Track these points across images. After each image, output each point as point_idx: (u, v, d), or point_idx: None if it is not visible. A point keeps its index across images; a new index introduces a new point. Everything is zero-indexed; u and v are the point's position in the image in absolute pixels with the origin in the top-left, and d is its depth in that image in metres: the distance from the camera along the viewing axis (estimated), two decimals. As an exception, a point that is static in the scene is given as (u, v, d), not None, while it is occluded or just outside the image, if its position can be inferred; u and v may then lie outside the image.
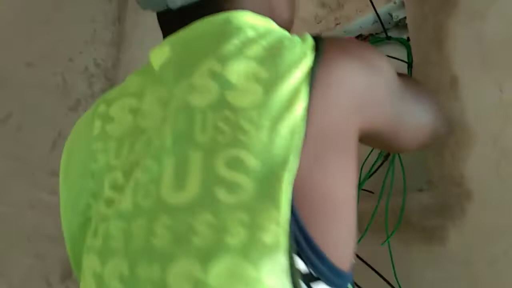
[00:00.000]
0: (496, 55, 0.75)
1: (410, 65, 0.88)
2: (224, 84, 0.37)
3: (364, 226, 0.78)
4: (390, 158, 0.84)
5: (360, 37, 0.95)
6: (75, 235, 0.45)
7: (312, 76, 0.36)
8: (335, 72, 0.37)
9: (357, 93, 0.40)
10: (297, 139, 0.34)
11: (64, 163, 0.48)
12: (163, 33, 0.48)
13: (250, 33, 0.39)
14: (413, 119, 0.50)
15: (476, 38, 0.77)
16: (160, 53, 0.43)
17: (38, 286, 1.30)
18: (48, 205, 1.40)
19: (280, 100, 0.35)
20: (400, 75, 0.48)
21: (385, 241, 0.77)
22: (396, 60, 0.87)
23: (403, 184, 0.80)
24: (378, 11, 0.87)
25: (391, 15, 0.90)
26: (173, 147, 0.37)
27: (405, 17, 0.89)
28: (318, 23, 1.01)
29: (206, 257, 0.33)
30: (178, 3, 0.43)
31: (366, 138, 0.44)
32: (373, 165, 0.85)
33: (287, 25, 0.49)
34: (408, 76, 0.52)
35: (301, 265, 0.34)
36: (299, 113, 0.35)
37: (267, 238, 0.33)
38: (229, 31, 0.40)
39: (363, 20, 0.92)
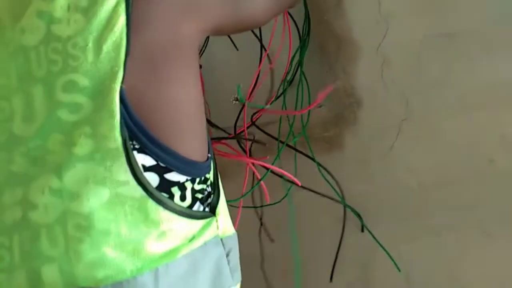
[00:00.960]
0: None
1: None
2: (50, 19, 0.40)
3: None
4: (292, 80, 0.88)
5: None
6: None
7: None
8: None
9: (178, 2, 0.43)
10: (122, 53, 0.39)
11: None
12: None
13: None
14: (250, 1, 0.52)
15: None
16: None
17: None
18: None
19: (100, 22, 0.39)
20: None
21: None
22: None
23: (308, 102, 0.85)
24: None
25: None
26: (18, 86, 0.41)
27: None
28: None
29: (60, 168, 0.38)
30: None
31: (217, 33, 0.49)
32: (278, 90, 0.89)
33: None
34: None
35: (147, 160, 0.40)
36: (119, 29, 0.39)
37: (111, 143, 0.38)
38: None
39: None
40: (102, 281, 0.37)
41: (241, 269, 0.46)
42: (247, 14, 0.52)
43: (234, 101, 1.00)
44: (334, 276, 0.82)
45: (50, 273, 0.37)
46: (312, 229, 0.83)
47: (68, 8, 0.40)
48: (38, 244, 0.38)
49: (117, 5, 0.40)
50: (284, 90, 0.90)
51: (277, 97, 0.90)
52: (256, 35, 0.87)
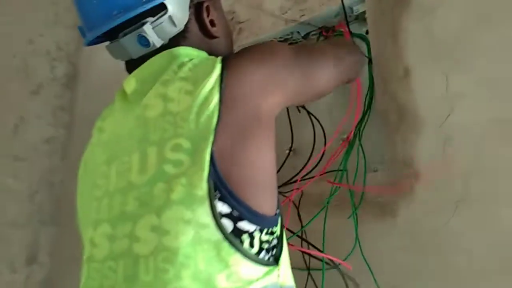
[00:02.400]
0: (443, 49, 0.84)
1: (370, 60, 0.94)
2: (166, 99, 0.54)
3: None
4: (350, 142, 0.92)
5: (323, 29, 1.01)
6: (85, 219, 0.60)
7: (222, 81, 0.52)
8: (236, 72, 0.54)
9: (264, 83, 0.55)
10: (213, 123, 0.50)
11: (80, 167, 0.65)
12: (127, 67, 0.65)
13: (184, 59, 0.57)
14: (318, 73, 0.65)
15: (427, 33, 0.85)
16: (129, 84, 0.60)
17: (2, 271, 1.29)
18: (11, 190, 1.38)
19: (200, 100, 0.52)
20: (299, 47, 0.65)
21: (350, 215, 0.85)
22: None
23: (364, 165, 0.87)
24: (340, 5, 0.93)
25: (351, 9, 0.97)
26: (138, 146, 0.54)
27: (364, 11, 0.96)
28: (283, 13, 1.06)
29: (160, 210, 0.49)
30: (139, 54, 0.61)
31: (291, 103, 0.61)
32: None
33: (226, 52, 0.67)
34: (304, 44, 0.72)
35: (224, 208, 0.49)
36: (213, 106, 0.51)
37: (199, 192, 0.48)
38: (170, 59, 0.58)
39: (327, 12, 0.98)
40: None
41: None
42: (314, 86, 0.64)
43: (287, 151, 1.04)
44: None
45: None
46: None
47: (179, 91, 0.53)
48: (137, 271, 0.48)
49: (213, 88, 0.52)
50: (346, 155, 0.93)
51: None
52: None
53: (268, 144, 0.54)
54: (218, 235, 0.48)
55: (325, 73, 0.66)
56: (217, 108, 0.51)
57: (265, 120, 0.54)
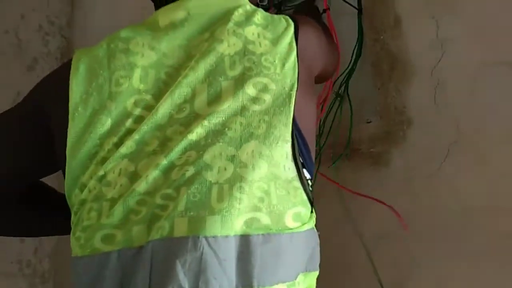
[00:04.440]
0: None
1: (360, 10, 0.93)
2: (245, 40, 0.55)
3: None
4: (341, 94, 0.92)
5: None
6: (82, 160, 0.53)
7: (296, 38, 0.56)
8: (306, 35, 0.59)
9: (317, 48, 0.63)
10: (296, 73, 0.54)
11: (80, 86, 0.56)
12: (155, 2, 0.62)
13: (248, 7, 0.59)
14: (331, 59, 0.74)
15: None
16: (173, 13, 0.58)
17: (11, 243, 1.32)
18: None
19: (282, 49, 0.55)
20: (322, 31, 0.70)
21: (332, 163, 0.86)
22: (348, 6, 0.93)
23: (350, 117, 0.88)
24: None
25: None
26: (205, 78, 0.53)
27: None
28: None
29: (238, 142, 0.49)
30: None
31: (317, 78, 0.66)
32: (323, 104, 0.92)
33: None
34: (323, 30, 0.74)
35: (297, 155, 0.51)
36: (294, 57, 0.55)
37: (280, 133, 0.50)
38: (233, 4, 0.58)
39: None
40: (254, 231, 0.46)
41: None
42: (327, 69, 0.72)
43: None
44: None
45: (214, 220, 0.46)
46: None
47: (258, 35, 0.56)
48: (208, 197, 0.47)
49: (291, 42, 0.56)
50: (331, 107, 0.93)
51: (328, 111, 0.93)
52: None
53: (315, 101, 0.63)
54: (290, 175, 0.50)
55: (335, 59, 0.78)
56: (296, 60, 0.55)
57: (313, 80, 0.63)
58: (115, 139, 0.52)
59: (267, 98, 0.52)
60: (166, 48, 0.56)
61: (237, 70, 0.53)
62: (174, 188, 0.48)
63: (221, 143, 0.49)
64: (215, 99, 0.52)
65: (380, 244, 0.85)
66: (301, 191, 0.51)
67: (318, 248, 0.54)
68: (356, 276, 0.87)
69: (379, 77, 0.88)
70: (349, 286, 0.87)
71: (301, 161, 0.52)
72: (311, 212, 0.53)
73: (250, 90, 0.52)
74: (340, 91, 0.92)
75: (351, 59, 0.91)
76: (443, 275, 0.77)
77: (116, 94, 0.54)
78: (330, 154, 0.89)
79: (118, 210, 0.48)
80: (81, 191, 0.52)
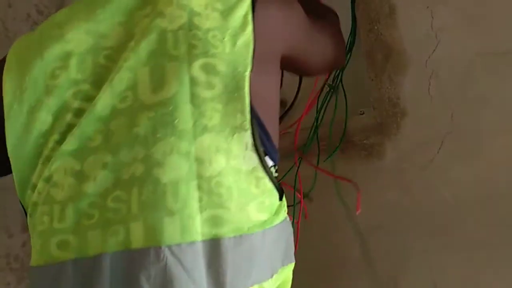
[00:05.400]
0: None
1: (353, 0, 0.92)
2: (191, 12, 0.48)
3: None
4: (334, 86, 0.90)
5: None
6: (26, 154, 0.49)
7: (253, 10, 0.49)
8: (267, 9, 0.51)
9: (283, 23, 0.54)
10: (250, 50, 0.47)
11: (13, 82, 0.51)
12: None
13: None
14: (318, 48, 0.65)
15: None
16: None
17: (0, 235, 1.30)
18: None
19: (234, 23, 0.48)
20: (310, 17, 0.62)
21: (327, 157, 0.85)
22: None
23: (345, 108, 0.87)
24: None
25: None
26: (148, 60, 0.47)
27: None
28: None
29: (190, 136, 0.44)
30: None
31: (285, 63, 0.57)
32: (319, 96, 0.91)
33: None
34: (316, 18, 0.66)
35: (258, 143, 0.47)
36: (249, 33, 0.48)
37: (236, 122, 0.45)
38: None
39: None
40: (225, 234, 0.43)
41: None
42: (310, 57, 0.63)
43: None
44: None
45: (172, 223, 0.42)
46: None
47: (206, 6, 0.48)
48: (163, 198, 0.43)
49: (246, 14, 0.49)
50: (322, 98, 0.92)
51: (324, 103, 0.92)
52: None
53: (278, 82, 0.54)
54: (252, 165, 0.46)
55: (323, 54, 0.67)
56: (252, 35, 0.48)
57: (276, 61, 0.54)
58: (56, 136, 0.48)
59: (217, 82, 0.46)
60: (104, 27, 0.50)
61: (182, 48, 0.46)
62: (125, 189, 0.44)
63: (172, 138, 0.44)
64: (159, 85, 0.45)
65: (374, 236, 0.84)
66: (264, 181, 0.47)
67: (292, 238, 0.52)
68: (351, 269, 0.86)
69: (372, 67, 0.87)
70: (345, 279, 0.87)
71: (262, 149, 0.47)
72: (280, 200, 0.50)
73: (197, 73, 0.45)
74: (334, 82, 0.90)
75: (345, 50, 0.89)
76: (438, 267, 0.77)
77: (53, 87, 0.48)
78: (323, 146, 0.88)
79: (69, 214, 0.45)
80: (33, 191, 0.48)
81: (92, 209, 0.44)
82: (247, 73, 0.46)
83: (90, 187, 0.45)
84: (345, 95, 0.88)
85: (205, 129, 0.44)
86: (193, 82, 0.45)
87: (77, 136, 0.46)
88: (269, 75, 0.51)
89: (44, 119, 0.48)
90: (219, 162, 0.44)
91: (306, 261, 0.82)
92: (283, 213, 0.50)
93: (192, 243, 0.42)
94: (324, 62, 0.68)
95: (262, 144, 0.47)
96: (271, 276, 0.47)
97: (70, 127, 0.47)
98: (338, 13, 0.88)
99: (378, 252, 0.83)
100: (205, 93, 0.45)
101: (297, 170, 0.89)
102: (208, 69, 0.46)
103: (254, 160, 0.46)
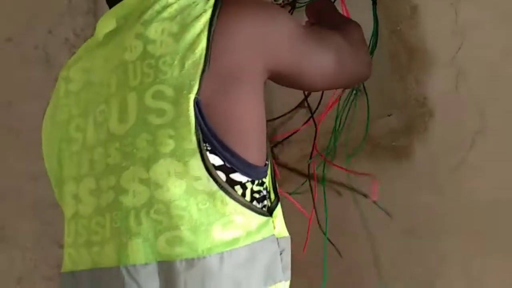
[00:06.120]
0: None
1: (374, 0, 0.91)
2: (146, 40, 0.50)
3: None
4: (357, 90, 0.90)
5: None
6: (57, 176, 0.58)
7: (211, 26, 0.48)
8: (232, 22, 0.50)
9: (255, 39, 0.51)
10: (199, 71, 0.47)
11: (44, 121, 0.62)
12: (108, 3, 0.59)
13: (170, 0, 0.52)
14: (316, 61, 0.58)
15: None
16: (107, 23, 0.56)
17: (50, 248, 1.38)
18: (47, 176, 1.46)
19: (185, 45, 0.48)
20: (309, 26, 0.62)
21: (348, 158, 0.84)
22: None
23: (367, 111, 0.86)
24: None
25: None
26: (116, 92, 0.51)
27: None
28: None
29: (147, 163, 0.47)
30: None
31: (276, 78, 0.56)
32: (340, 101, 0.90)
33: None
34: (320, 28, 0.63)
35: (216, 160, 0.47)
36: (199, 51, 0.47)
37: (188, 144, 0.46)
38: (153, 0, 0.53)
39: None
40: (178, 256, 0.46)
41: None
42: (307, 71, 0.58)
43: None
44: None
45: (135, 245, 0.47)
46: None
47: (162, 31, 0.49)
48: (127, 222, 0.48)
49: (201, 33, 0.48)
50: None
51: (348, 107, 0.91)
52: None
53: (258, 98, 0.51)
54: (212, 187, 0.47)
55: (324, 66, 0.59)
56: (203, 54, 0.47)
57: (252, 77, 0.51)
58: (68, 162, 0.55)
59: (167, 107, 0.46)
60: (96, 63, 0.55)
61: (137, 79, 0.49)
62: (102, 214, 0.50)
63: (132, 167, 0.48)
64: (123, 117, 0.49)
65: (407, 240, 0.82)
66: (229, 199, 0.47)
67: (280, 257, 0.50)
68: (384, 273, 0.85)
69: (397, 69, 0.86)
70: (376, 283, 0.85)
71: (228, 166, 0.47)
72: (264, 215, 0.50)
73: (148, 101, 0.47)
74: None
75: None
76: (473, 272, 0.74)
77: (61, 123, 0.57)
78: (349, 150, 0.87)
79: (72, 230, 0.53)
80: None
81: (83, 230, 0.52)
82: (192, 94, 0.46)
83: (82, 210, 0.52)
84: (367, 98, 0.87)
85: (159, 156, 0.46)
86: (146, 111, 0.47)
87: (75, 163, 0.54)
88: (241, 92, 0.49)
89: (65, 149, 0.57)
90: (177, 186, 0.46)
91: (337, 263, 0.82)
92: (267, 231, 0.50)
93: (146, 264, 0.46)
94: (326, 76, 0.61)
95: (228, 162, 0.48)
96: None
97: (71, 155, 0.55)
98: (359, 16, 0.87)
99: (412, 255, 0.81)
100: (157, 121, 0.47)
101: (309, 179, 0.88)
102: (158, 96, 0.47)
103: (216, 180, 0.47)
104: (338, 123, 0.87)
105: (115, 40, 0.54)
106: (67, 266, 0.54)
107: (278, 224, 0.53)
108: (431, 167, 0.79)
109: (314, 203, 0.84)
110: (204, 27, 0.48)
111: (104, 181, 0.50)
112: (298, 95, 0.92)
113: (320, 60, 0.59)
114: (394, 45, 0.86)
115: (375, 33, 0.88)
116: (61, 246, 1.44)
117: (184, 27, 0.49)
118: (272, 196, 0.54)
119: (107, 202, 0.49)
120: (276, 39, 0.53)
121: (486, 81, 0.75)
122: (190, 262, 0.45)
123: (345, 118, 0.87)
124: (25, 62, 1.49)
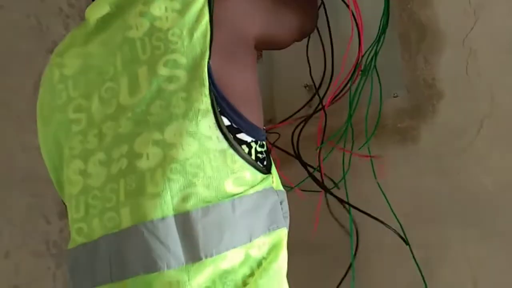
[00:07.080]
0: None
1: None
2: (152, 17, 0.54)
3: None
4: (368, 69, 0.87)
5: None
6: (55, 162, 0.60)
7: (210, 1, 0.54)
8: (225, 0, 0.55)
9: (244, 10, 0.58)
10: (207, 39, 0.53)
11: (39, 108, 0.64)
12: None
13: None
14: (285, 21, 0.69)
15: None
16: (99, 9, 0.59)
17: (38, 224, 1.35)
18: (39, 148, 1.42)
19: (190, 18, 0.53)
20: None
21: (363, 145, 0.82)
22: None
23: (380, 91, 0.83)
24: None
25: None
26: (123, 70, 0.54)
27: None
28: None
29: (161, 126, 0.50)
30: None
31: (259, 44, 0.61)
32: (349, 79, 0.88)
33: None
34: None
35: (225, 121, 0.52)
36: (205, 23, 0.53)
37: (201, 105, 0.50)
38: None
39: None
40: (193, 207, 0.49)
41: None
42: (280, 29, 0.68)
43: (306, 87, 1.01)
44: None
45: (152, 203, 0.49)
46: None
47: (166, 9, 0.54)
48: (143, 183, 0.50)
49: (203, 8, 0.54)
50: (350, 79, 0.88)
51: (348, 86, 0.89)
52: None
53: (254, 66, 0.59)
54: (223, 145, 0.51)
55: (292, 21, 0.71)
56: (208, 25, 0.53)
57: (247, 45, 0.58)
58: (70, 143, 0.57)
59: (181, 74, 0.51)
60: (92, 48, 0.58)
61: (148, 52, 0.53)
62: (116, 181, 0.52)
63: (146, 132, 0.51)
64: (135, 89, 0.53)
65: (409, 224, 0.81)
66: (237, 157, 0.51)
67: (280, 206, 0.56)
68: (385, 256, 0.84)
69: (407, 48, 0.83)
70: (380, 266, 0.85)
71: (235, 126, 0.52)
72: (267, 173, 0.55)
73: (162, 70, 0.52)
74: (368, 65, 0.87)
75: (378, 31, 0.86)
76: (477, 257, 0.73)
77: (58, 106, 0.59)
78: (360, 131, 0.85)
79: (81, 206, 0.55)
80: (62, 190, 0.60)
81: (95, 201, 0.54)
82: (205, 60, 0.51)
83: (92, 182, 0.54)
84: (379, 79, 0.85)
85: (173, 117, 0.50)
86: (159, 79, 0.51)
87: (80, 141, 0.56)
88: (240, 61, 0.56)
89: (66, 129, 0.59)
90: (191, 145, 0.49)
91: (342, 245, 0.80)
92: (267, 183, 0.55)
93: (163, 218, 0.48)
94: (291, 32, 0.72)
95: (235, 123, 0.52)
96: (250, 241, 0.51)
97: (76, 134, 0.57)
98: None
99: (414, 240, 0.80)
100: (170, 87, 0.51)
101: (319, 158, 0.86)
102: (171, 64, 0.52)
103: (228, 138, 0.51)
104: (352, 107, 0.84)
105: (115, 23, 0.57)
106: (76, 240, 0.55)
107: (275, 180, 0.59)
108: (437, 150, 0.78)
109: (323, 185, 0.83)
110: (204, 3, 0.54)
111: (116, 150, 0.52)
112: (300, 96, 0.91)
113: (288, 20, 0.69)
114: (404, 24, 0.83)
115: (386, 12, 0.86)
116: (49, 222, 1.43)
117: (186, 4, 0.54)
118: (269, 158, 0.60)
119: (120, 168, 0.51)
120: (261, 5, 0.62)
121: (498, 64, 0.73)
122: (205, 210, 0.49)
123: (357, 100, 0.84)
124: (17, 31, 1.43)
